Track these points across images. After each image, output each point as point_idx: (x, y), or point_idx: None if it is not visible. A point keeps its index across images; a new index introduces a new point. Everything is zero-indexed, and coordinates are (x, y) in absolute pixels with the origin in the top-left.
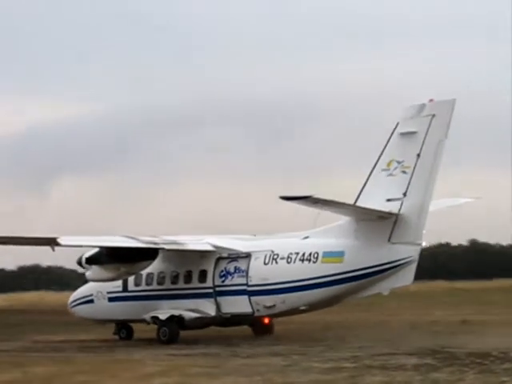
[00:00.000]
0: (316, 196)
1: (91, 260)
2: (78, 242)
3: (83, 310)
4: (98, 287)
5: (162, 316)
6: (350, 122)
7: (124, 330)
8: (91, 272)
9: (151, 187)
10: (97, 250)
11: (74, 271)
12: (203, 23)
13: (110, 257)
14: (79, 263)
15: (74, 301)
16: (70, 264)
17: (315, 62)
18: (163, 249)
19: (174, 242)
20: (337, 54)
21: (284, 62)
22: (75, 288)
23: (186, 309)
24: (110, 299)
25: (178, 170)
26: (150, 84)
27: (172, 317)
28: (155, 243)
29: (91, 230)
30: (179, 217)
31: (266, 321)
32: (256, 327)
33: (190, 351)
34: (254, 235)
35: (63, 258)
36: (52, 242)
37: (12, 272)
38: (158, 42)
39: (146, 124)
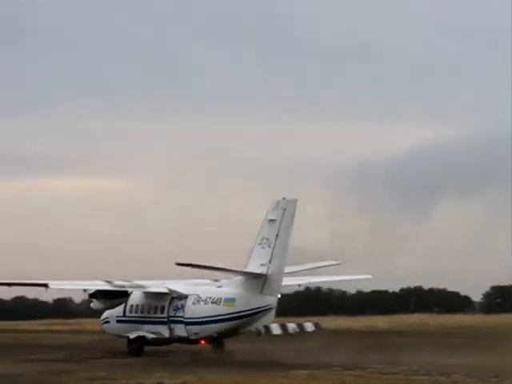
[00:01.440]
0: (195, 263)
1: (91, 295)
2: (63, 286)
3: (105, 328)
4: (112, 312)
5: (132, 336)
6: None
7: (141, 347)
8: (93, 303)
9: None
10: (95, 289)
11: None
12: None
13: (99, 294)
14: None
15: (101, 320)
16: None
17: None
18: (128, 291)
19: (138, 286)
20: None
21: None
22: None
23: (150, 331)
24: (117, 321)
25: None
26: None
27: (138, 336)
28: (122, 286)
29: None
30: None
31: (203, 342)
32: (212, 345)
33: None
34: (217, 280)
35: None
36: (44, 286)
37: (394, 293)
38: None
39: None
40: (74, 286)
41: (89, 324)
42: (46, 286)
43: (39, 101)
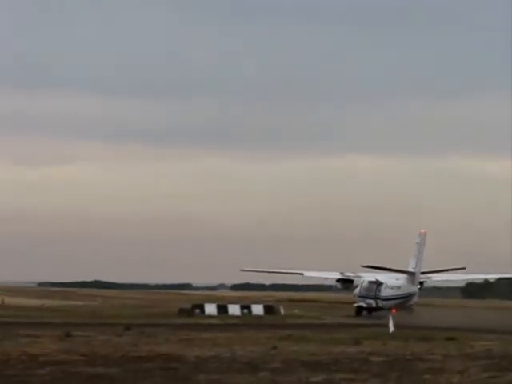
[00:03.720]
0: (373, 265)
1: (337, 280)
2: (315, 274)
3: (355, 301)
4: (355, 291)
5: (355, 304)
6: None
7: (360, 311)
8: (337, 285)
9: None
10: (338, 277)
11: None
12: None
13: (340, 280)
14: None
15: (353, 296)
16: None
17: None
18: (353, 280)
19: (358, 276)
20: None
21: None
22: None
23: (366, 303)
24: (358, 296)
25: None
26: None
27: (358, 306)
28: (348, 276)
29: None
30: None
31: (394, 310)
32: (405, 311)
33: None
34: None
35: None
36: (299, 274)
37: None
38: None
39: None
40: (320, 275)
41: None
42: (301, 274)
43: None
